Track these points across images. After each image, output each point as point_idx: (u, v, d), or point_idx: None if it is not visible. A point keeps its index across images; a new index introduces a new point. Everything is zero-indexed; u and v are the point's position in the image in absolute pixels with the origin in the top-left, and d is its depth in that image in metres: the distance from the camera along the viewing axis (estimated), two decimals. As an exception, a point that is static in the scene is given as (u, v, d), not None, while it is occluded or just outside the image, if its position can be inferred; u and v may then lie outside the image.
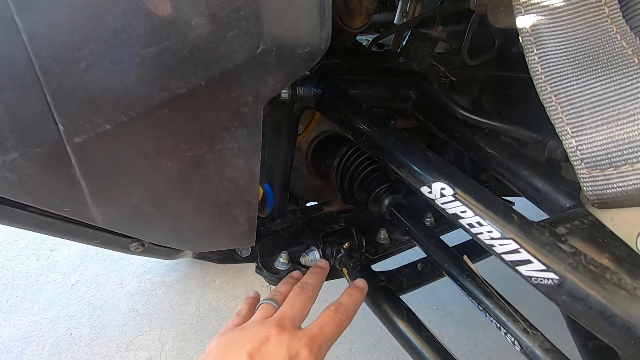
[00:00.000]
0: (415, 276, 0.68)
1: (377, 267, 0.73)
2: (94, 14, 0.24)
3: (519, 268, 0.35)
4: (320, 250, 0.69)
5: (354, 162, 0.75)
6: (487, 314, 0.52)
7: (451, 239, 0.74)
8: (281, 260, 0.70)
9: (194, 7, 0.25)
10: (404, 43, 0.65)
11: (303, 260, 0.70)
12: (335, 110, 0.53)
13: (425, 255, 0.73)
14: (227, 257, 0.68)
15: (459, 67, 0.74)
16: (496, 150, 0.53)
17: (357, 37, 0.81)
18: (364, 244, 0.73)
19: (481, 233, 0.38)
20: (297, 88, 0.54)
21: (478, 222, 0.38)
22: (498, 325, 0.51)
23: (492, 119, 0.52)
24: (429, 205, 0.88)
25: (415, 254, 0.79)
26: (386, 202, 0.70)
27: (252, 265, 1.78)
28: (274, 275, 0.68)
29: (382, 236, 0.82)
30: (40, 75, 0.26)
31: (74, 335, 1.36)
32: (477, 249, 0.67)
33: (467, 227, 0.39)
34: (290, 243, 0.73)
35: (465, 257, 0.58)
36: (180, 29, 0.25)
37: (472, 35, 0.67)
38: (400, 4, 0.85)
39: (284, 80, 0.30)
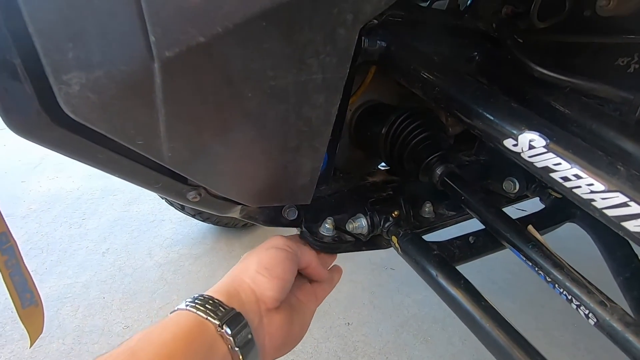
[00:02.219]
0: (467, 248, 0.65)
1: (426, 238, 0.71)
2: None
3: (625, 224, 0.32)
4: (368, 217, 0.67)
5: (404, 130, 0.72)
6: (557, 286, 0.49)
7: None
8: (327, 226, 0.68)
9: None
10: (469, 1, 0.61)
11: (350, 227, 0.68)
12: (403, 63, 0.50)
13: (475, 230, 0.71)
14: (273, 219, 0.66)
15: (523, 31, 0.69)
16: (577, 112, 0.49)
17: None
18: (412, 214, 0.71)
19: (578, 187, 0.35)
20: (362, 39, 0.51)
21: (575, 175, 0.35)
22: (569, 297, 0.48)
23: (576, 76, 0.48)
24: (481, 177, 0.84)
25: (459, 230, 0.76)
26: (438, 171, 0.67)
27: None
28: (319, 241, 0.66)
29: (427, 209, 0.79)
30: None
31: (106, 299, 1.40)
32: (539, 223, 0.64)
33: (561, 181, 0.36)
34: (336, 209, 0.71)
35: (530, 226, 0.55)
36: None
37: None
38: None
39: (378, 6, 0.27)
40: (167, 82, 0.29)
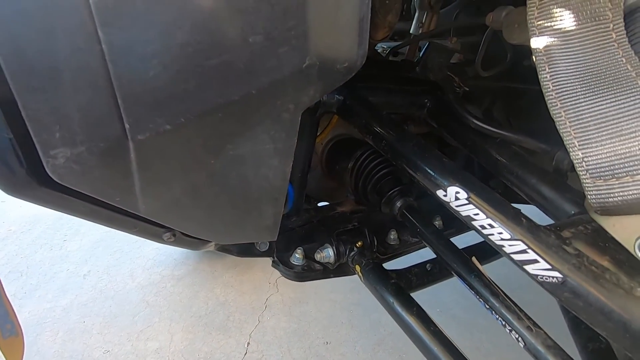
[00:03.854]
0: (424, 276, 0.72)
1: (386, 266, 0.77)
2: (166, 30, 0.28)
3: (526, 267, 0.39)
4: (334, 247, 0.73)
5: (368, 165, 0.78)
6: (493, 312, 0.56)
7: (458, 242, 0.78)
8: (297, 256, 0.73)
9: (251, 26, 0.28)
10: (421, 54, 0.69)
11: (317, 256, 0.73)
12: (356, 116, 0.57)
13: (433, 257, 0.77)
14: (246, 250, 0.71)
15: (472, 77, 0.78)
16: (506, 159, 0.57)
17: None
18: (376, 244, 0.77)
19: (492, 234, 0.41)
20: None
21: (490, 224, 0.41)
22: (503, 322, 0.54)
23: (504, 129, 0.55)
24: (438, 208, 0.91)
25: (420, 257, 0.83)
26: (398, 204, 0.73)
27: (260, 262, 1.82)
28: (289, 270, 0.71)
29: (392, 237, 0.85)
30: (114, 80, 0.30)
31: (86, 324, 1.40)
32: (483, 251, 0.71)
33: (480, 228, 0.43)
34: (305, 240, 0.77)
35: (473, 258, 0.61)
36: (238, 45, 0.29)
37: (486, 48, 0.71)
38: (416, 14, 0.89)
39: (322, 91, 0.33)
40: (141, 156, 0.35)
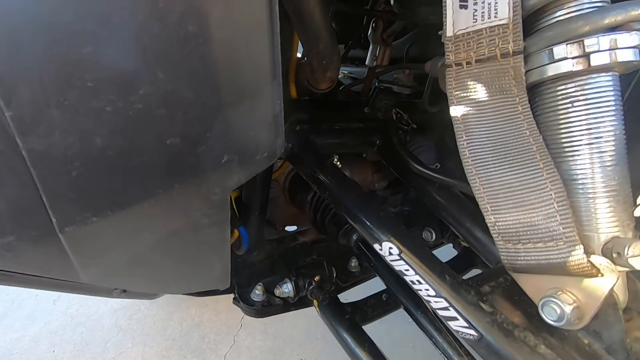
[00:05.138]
0: (380, 306, 0.75)
1: (347, 295, 0.80)
2: (84, 137, 0.29)
3: (449, 323, 0.42)
4: (292, 282, 0.75)
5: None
6: (437, 347, 0.59)
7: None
8: (256, 292, 0.75)
9: (169, 130, 0.30)
10: (370, 95, 0.72)
11: (277, 292, 0.75)
12: (303, 165, 0.59)
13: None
14: (206, 291, 0.72)
15: (422, 111, 0.81)
16: (446, 201, 0.60)
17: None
18: (335, 275, 0.79)
19: (421, 290, 0.44)
20: (269, 143, 0.60)
21: (418, 281, 0.44)
22: (445, 358, 0.58)
23: (442, 174, 0.59)
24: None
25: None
26: (354, 237, 0.76)
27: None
28: (250, 307, 0.73)
29: (353, 265, 0.88)
30: (37, 181, 0.31)
31: (56, 353, 1.38)
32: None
33: (411, 283, 0.45)
34: (266, 274, 0.79)
35: (420, 293, 0.65)
36: (157, 147, 0.30)
37: (432, 86, 0.74)
38: (370, 48, 0.92)
39: (247, 176, 0.35)
40: (72, 243, 0.36)
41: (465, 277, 0.92)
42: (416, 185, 0.64)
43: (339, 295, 0.89)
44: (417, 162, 0.61)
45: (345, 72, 1.16)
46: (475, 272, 0.92)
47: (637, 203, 0.54)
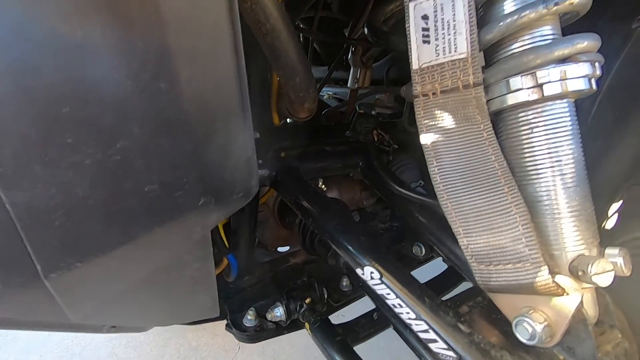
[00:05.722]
0: (371, 326, 0.75)
1: (340, 314, 0.80)
2: (65, 189, 0.31)
3: (429, 345, 0.43)
4: (284, 306, 0.76)
5: (314, 220, 0.82)
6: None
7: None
8: (249, 317, 0.76)
9: (147, 178, 0.32)
10: (350, 119, 0.74)
11: (269, 316, 0.76)
12: (286, 192, 0.61)
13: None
14: (197, 320, 0.73)
15: (403, 130, 0.84)
16: (427, 220, 0.62)
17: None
18: (326, 296, 0.80)
19: (402, 314, 0.46)
20: (253, 171, 0.62)
21: (399, 304, 0.46)
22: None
23: (421, 194, 0.61)
24: (387, 248, 0.95)
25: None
26: (342, 258, 0.77)
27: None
28: (242, 333, 0.74)
29: (344, 283, 0.89)
30: (21, 231, 0.33)
31: (52, 386, 1.36)
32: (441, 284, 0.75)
33: (392, 307, 0.47)
34: (258, 298, 0.80)
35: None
36: (136, 194, 0.32)
37: (410, 107, 0.77)
38: (351, 70, 0.95)
39: (225, 214, 0.37)
40: (58, 287, 0.37)
41: (457, 289, 0.93)
42: (398, 205, 0.66)
43: (336, 311, 0.91)
44: (398, 183, 0.63)
45: (330, 92, 1.19)
46: (467, 284, 0.93)
47: (609, 215, 0.56)
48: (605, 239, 0.48)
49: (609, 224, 0.54)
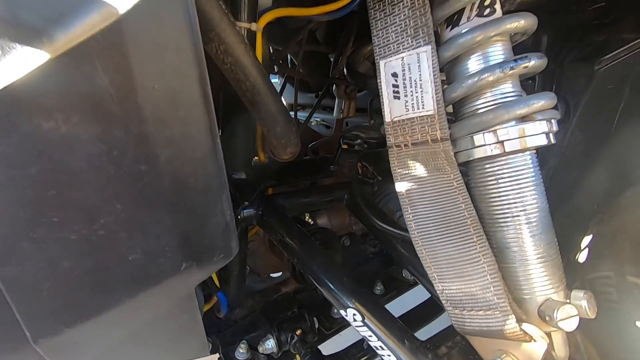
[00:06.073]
0: (361, 355, 0.77)
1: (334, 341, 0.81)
2: (53, 263, 0.33)
3: (410, 388, 0.45)
4: (275, 338, 0.77)
5: (303, 250, 0.84)
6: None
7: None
8: (240, 350, 0.77)
9: (130, 248, 0.34)
10: (334, 155, 0.77)
11: (260, 349, 0.77)
12: (272, 230, 0.63)
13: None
14: None
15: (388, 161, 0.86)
16: (410, 254, 0.64)
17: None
18: (317, 325, 0.81)
19: (384, 356, 0.47)
20: (241, 211, 0.64)
21: (381, 346, 0.47)
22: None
23: (403, 230, 0.63)
24: (377, 275, 0.97)
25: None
26: (333, 287, 0.79)
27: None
28: (235, 367, 0.74)
29: (335, 311, 0.90)
30: (11, 302, 0.34)
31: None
32: (422, 314, 0.77)
33: (375, 349, 0.48)
34: (250, 330, 0.81)
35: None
36: (120, 264, 0.34)
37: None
38: (336, 101, 0.98)
39: (207, 274, 0.39)
40: (48, 351, 0.38)
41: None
42: (382, 239, 0.68)
43: (328, 339, 0.92)
44: (380, 218, 0.65)
45: (318, 119, 1.22)
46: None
47: (582, 247, 0.59)
48: (577, 272, 0.50)
49: (581, 257, 0.56)
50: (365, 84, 0.64)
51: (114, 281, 0.35)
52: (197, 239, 0.36)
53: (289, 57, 1.09)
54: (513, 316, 0.39)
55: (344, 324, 0.90)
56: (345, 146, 0.78)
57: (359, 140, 0.99)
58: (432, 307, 0.97)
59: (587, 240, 0.57)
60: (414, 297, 1.04)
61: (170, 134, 0.31)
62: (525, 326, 0.39)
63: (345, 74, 0.69)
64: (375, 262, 1.05)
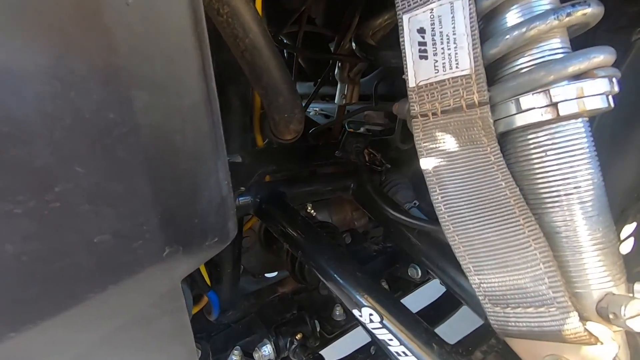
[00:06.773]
0: (368, 360, 0.69)
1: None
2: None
3: (441, 399, 0.37)
4: (272, 343, 0.69)
5: (304, 246, 0.76)
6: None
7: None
8: (234, 357, 0.68)
9: (96, 227, 0.26)
10: (340, 139, 0.69)
11: (256, 355, 0.69)
12: (272, 220, 0.55)
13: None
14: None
15: (396, 148, 0.79)
16: (426, 247, 0.57)
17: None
18: (318, 329, 0.74)
19: (407, 362, 0.40)
20: (236, 199, 0.56)
21: (404, 352, 0.40)
22: None
23: (421, 220, 0.56)
24: (381, 272, 0.90)
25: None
26: (336, 286, 0.71)
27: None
28: (227, 377, 0.66)
29: (337, 312, 0.82)
30: None
31: None
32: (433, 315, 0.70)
33: (396, 355, 0.41)
34: (244, 334, 0.72)
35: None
36: (82, 248, 0.26)
37: (402, 124, 0.72)
38: (339, 86, 0.91)
39: (197, 264, 0.31)
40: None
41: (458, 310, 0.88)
42: (394, 230, 0.61)
43: (330, 344, 0.84)
44: (393, 207, 0.58)
45: (317, 109, 1.15)
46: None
47: (621, 238, 0.52)
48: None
49: (623, 248, 0.50)
50: (377, 57, 0.57)
51: (74, 271, 0.27)
52: (184, 217, 0.28)
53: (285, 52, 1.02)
54: (575, 313, 0.32)
55: (347, 328, 0.82)
56: (351, 130, 0.71)
57: (362, 129, 0.92)
58: (439, 309, 0.91)
59: (628, 229, 0.51)
60: (414, 297, 0.97)
61: (148, 71, 0.23)
62: (591, 325, 0.32)
63: (354, 48, 0.62)
64: (378, 260, 0.98)
